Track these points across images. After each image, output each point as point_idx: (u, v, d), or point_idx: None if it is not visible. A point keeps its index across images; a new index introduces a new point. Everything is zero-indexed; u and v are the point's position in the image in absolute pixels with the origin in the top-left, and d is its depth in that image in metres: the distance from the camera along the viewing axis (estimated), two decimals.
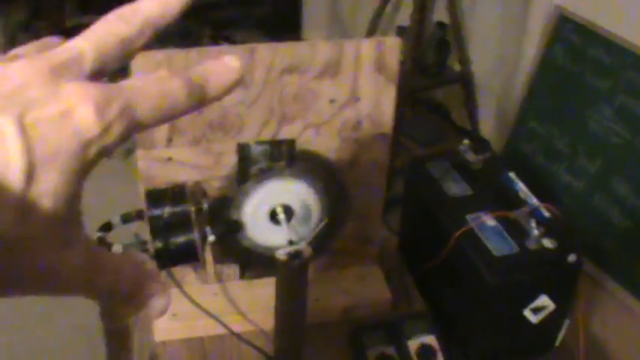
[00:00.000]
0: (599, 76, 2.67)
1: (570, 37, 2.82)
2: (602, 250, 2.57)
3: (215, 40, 4.66)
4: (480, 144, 2.89)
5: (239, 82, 0.50)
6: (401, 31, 3.45)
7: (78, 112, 0.41)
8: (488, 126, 3.54)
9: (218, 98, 0.49)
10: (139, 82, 0.45)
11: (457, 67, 3.55)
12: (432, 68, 3.49)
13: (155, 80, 0.46)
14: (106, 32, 0.47)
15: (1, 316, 2.99)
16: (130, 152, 3.88)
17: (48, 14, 4.50)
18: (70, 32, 0.49)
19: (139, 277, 0.49)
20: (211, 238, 1.37)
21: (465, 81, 3.51)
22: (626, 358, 2.37)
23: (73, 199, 0.43)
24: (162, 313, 0.51)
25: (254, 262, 1.64)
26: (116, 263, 0.48)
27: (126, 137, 0.44)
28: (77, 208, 0.44)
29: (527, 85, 3.00)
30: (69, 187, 0.42)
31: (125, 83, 0.45)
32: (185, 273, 1.61)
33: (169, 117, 0.46)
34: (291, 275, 1.38)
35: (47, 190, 0.41)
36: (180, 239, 1.35)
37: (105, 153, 0.44)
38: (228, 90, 0.49)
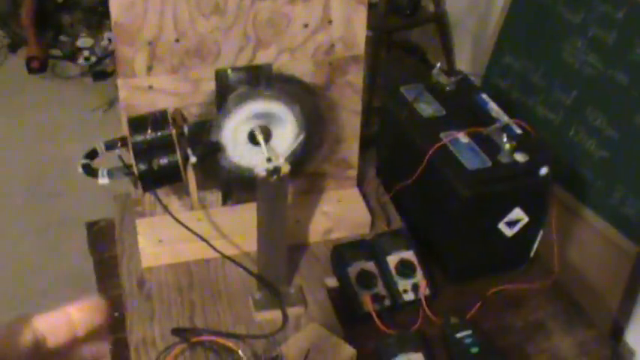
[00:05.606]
0: (572, 8, 2.70)
1: None
2: (579, 181, 2.62)
3: None
4: None
5: None
6: None
7: None
8: (464, 65, 3.57)
9: None
10: None
11: (431, 7, 3.58)
12: (405, 9, 3.51)
13: None
14: None
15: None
16: (111, 104, 3.92)
17: None
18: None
19: None
20: (193, 158, 1.42)
21: (440, 20, 3.53)
22: (599, 279, 2.43)
23: None
24: None
25: (235, 186, 1.69)
26: None
27: None
28: None
29: (501, 20, 3.02)
30: None
31: None
32: (169, 201, 1.65)
33: None
34: (270, 191, 1.43)
35: None
36: (163, 161, 1.39)
37: None
38: None
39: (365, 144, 1.79)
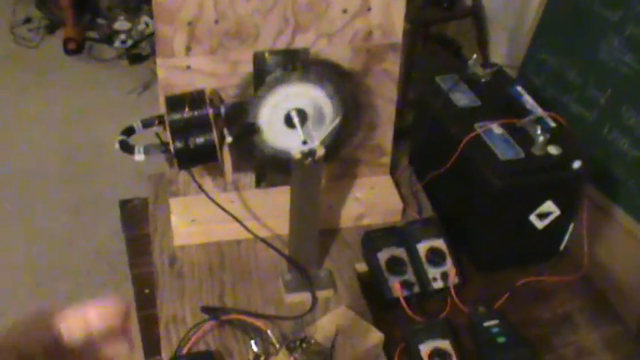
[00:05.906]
0: (610, 6, 2.69)
1: None
2: (611, 180, 2.61)
3: None
4: None
5: None
6: None
7: None
8: (499, 60, 3.56)
9: None
10: None
11: (468, 1, 3.57)
12: (443, 2, 3.51)
13: None
14: None
15: (27, 243, 3.08)
16: (146, 87, 3.95)
17: None
18: None
19: None
20: (229, 138, 1.43)
21: (477, 15, 3.53)
22: (628, 278, 2.43)
23: None
24: None
25: (269, 169, 1.70)
26: None
27: None
28: None
29: (538, 16, 3.01)
30: None
31: None
32: (203, 181, 1.67)
33: None
34: (305, 174, 1.44)
35: None
36: (199, 139, 1.41)
37: None
38: None
39: (399, 136, 1.80)
